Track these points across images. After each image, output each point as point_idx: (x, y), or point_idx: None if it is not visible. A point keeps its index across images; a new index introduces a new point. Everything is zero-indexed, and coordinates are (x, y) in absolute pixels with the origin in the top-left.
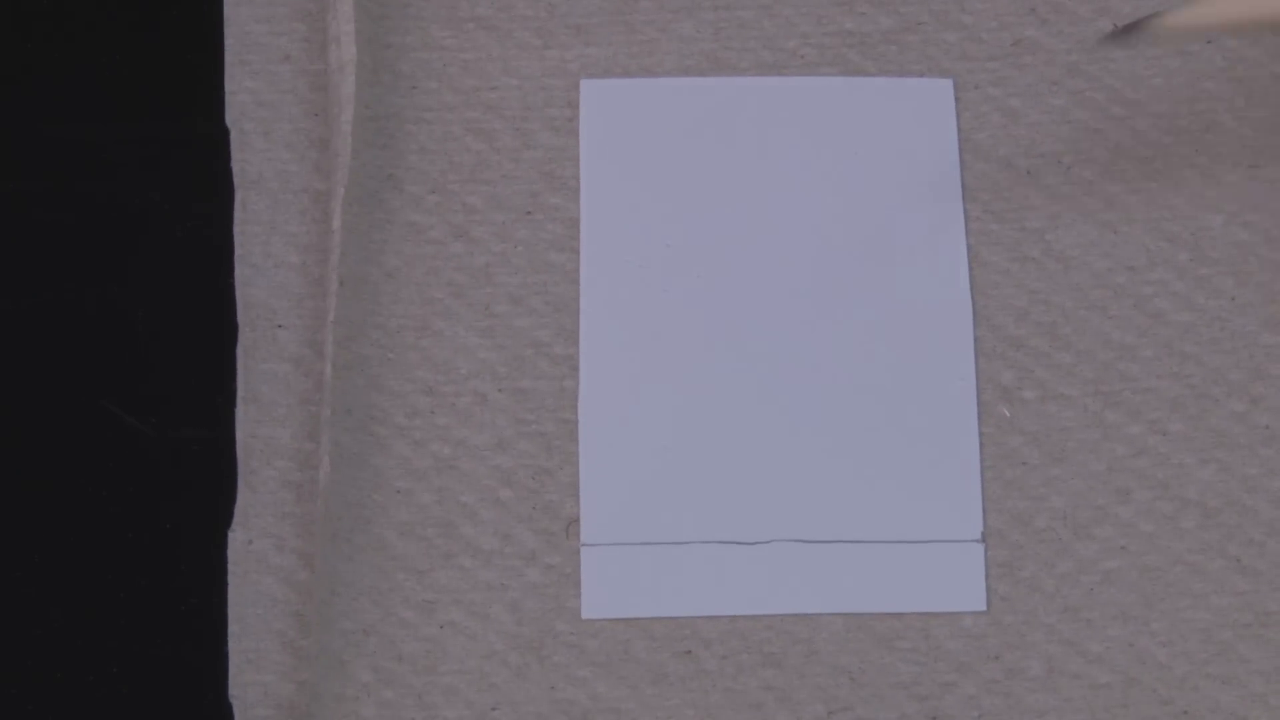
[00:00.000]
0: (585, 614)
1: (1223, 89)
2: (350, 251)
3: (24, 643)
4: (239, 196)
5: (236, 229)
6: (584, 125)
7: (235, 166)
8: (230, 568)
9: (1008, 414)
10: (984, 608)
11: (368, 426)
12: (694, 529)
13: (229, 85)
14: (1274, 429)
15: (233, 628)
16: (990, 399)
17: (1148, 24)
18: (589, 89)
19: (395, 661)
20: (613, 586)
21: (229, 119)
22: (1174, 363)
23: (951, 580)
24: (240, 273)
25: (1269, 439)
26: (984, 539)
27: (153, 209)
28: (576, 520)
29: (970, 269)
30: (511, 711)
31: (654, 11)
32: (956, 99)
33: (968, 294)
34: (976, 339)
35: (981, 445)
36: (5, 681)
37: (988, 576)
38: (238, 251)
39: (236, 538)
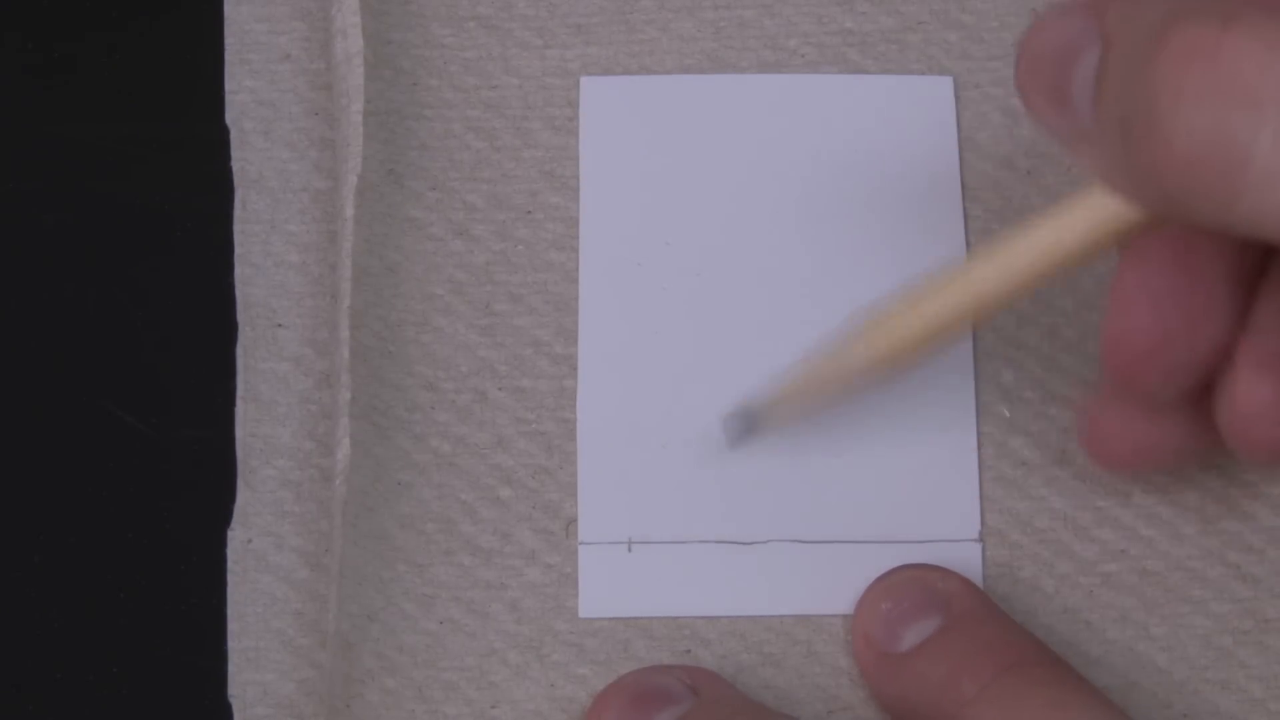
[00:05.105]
0: (583, 613)
1: None
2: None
3: (24, 643)
4: (239, 196)
5: (236, 228)
6: (584, 122)
7: (235, 166)
8: (230, 567)
9: (1007, 414)
10: None
11: (369, 416)
12: (693, 529)
13: (229, 85)
14: None
15: (232, 627)
16: (990, 399)
17: (749, 410)
18: (589, 86)
19: (397, 651)
20: (611, 586)
21: (229, 118)
22: None
23: None
24: (240, 272)
25: None
26: (982, 539)
27: (153, 209)
28: (575, 520)
29: None
30: (511, 710)
31: (654, 10)
32: (957, 98)
33: None
34: (976, 339)
35: (981, 445)
36: (5, 681)
37: (986, 577)
38: (238, 251)
39: (236, 537)
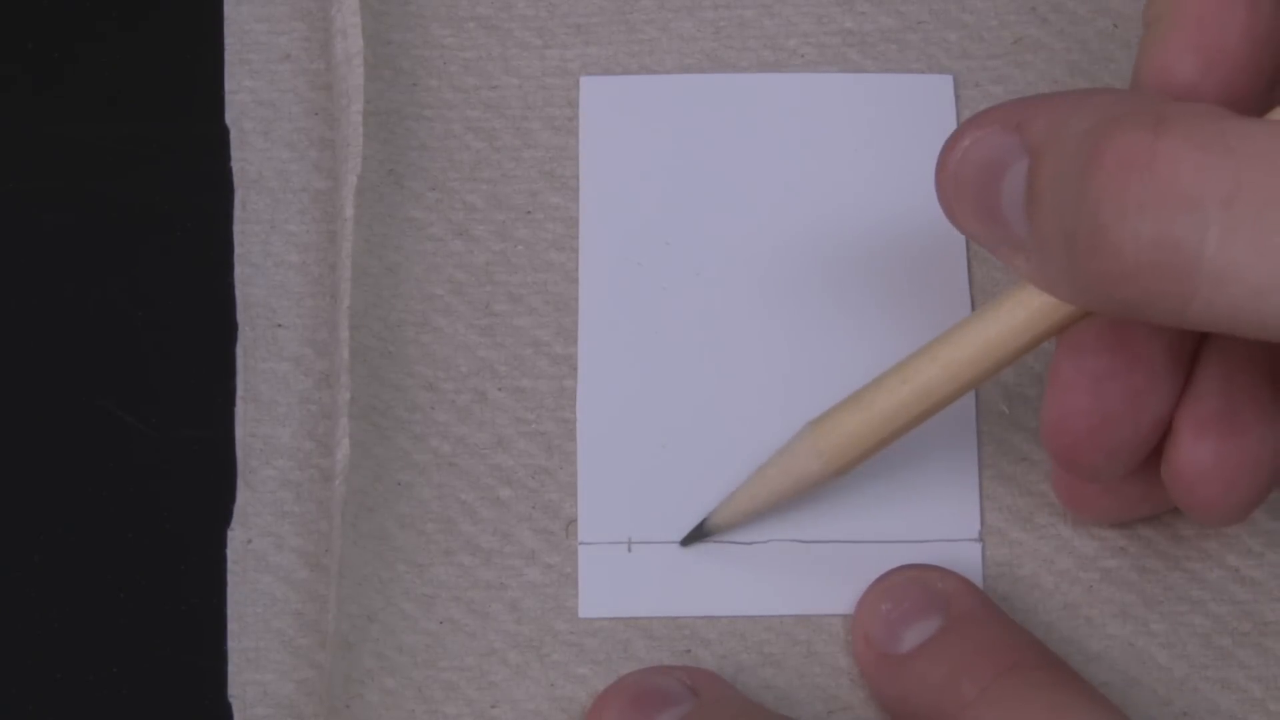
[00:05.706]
0: (583, 613)
1: None
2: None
3: (24, 643)
4: (239, 196)
5: (236, 228)
6: (584, 121)
7: (235, 166)
8: (230, 567)
9: (1006, 410)
10: None
11: (369, 416)
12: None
13: (229, 85)
14: None
15: (232, 627)
16: (989, 396)
17: (704, 525)
18: (589, 85)
19: (396, 651)
20: (611, 586)
21: (229, 118)
22: None
23: None
24: (240, 272)
25: None
26: (982, 538)
27: (153, 209)
28: (575, 520)
29: (970, 266)
30: (511, 710)
31: (654, 10)
32: (957, 97)
33: (967, 291)
34: None
35: (981, 442)
36: (5, 681)
37: (986, 576)
38: (237, 251)
39: (236, 537)
